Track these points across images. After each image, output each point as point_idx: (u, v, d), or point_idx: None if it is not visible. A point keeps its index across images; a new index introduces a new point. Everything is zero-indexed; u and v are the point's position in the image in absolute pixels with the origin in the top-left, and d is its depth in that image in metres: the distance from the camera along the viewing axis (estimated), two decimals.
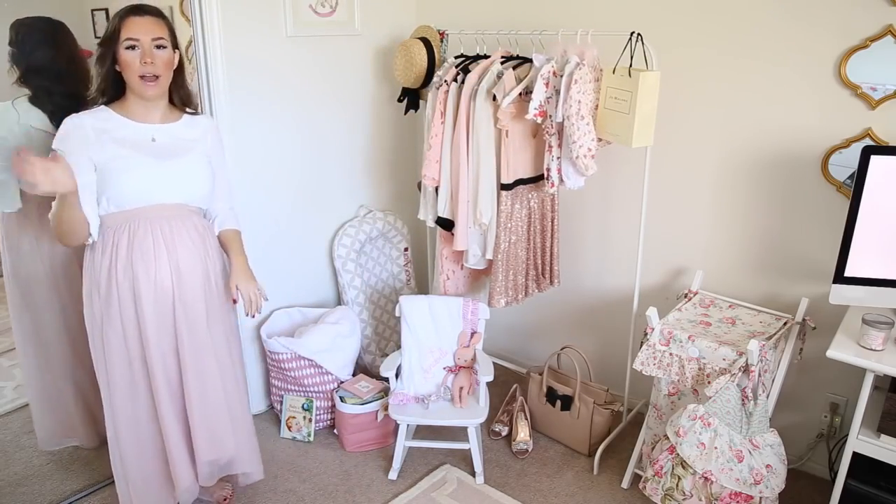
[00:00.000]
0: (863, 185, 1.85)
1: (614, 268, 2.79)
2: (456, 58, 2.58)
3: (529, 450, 2.64)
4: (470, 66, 2.46)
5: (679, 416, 2.01)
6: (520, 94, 2.29)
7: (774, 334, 2.11)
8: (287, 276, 2.88)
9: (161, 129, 1.92)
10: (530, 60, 2.34)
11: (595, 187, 2.72)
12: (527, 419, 2.71)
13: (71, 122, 1.82)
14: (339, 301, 3.09)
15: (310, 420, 2.71)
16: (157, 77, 1.82)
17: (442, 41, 2.70)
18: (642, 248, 2.46)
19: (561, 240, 2.73)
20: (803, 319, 2.18)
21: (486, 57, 2.49)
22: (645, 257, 2.58)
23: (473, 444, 2.44)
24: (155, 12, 1.84)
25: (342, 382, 2.74)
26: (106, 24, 1.87)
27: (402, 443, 2.49)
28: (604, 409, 2.55)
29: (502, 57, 2.43)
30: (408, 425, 2.50)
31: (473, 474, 2.48)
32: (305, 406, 2.72)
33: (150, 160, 1.87)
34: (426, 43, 2.65)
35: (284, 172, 2.77)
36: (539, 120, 2.26)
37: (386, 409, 2.60)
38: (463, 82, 2.40)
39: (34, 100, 2.11)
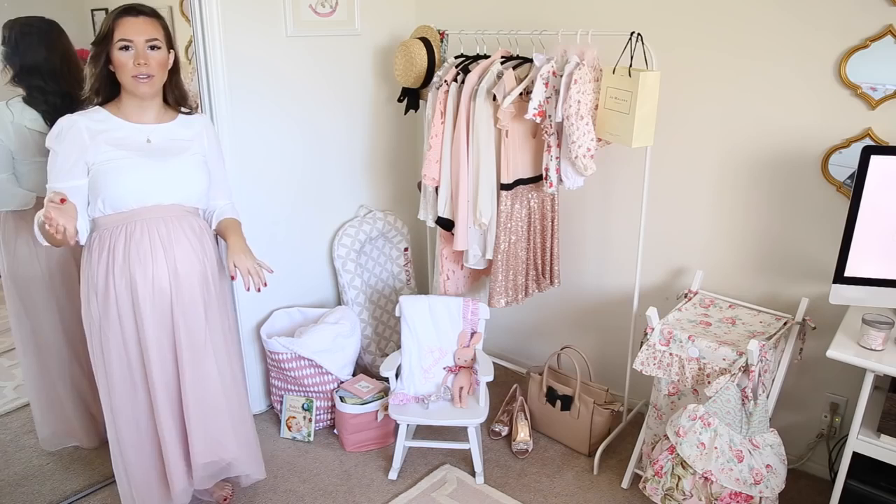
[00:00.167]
0: (863, 185, 1.85)
1: (614, 268, 2.79)
2: (456, 58, 2.59)
3: (529, 450, 2.64)
4: (470, 66, 2.46)
5: (679, 416, 2.01)
6: (520, 94, 2.29)
7: (774, 334, 2.11)
8: (287, 276, 2.88)
9: (156, 130, 1.91)
10: (530, 60, 2.34)
11: (595, 187, 2.72)
12: (527, 419, 2.71)
13: (65, 122, 1.81)
14: (339, 301, 3.09)
15: (310, 420, 2.71)
16: (151, 76, 1.81)
17: (442, 41, 2.70)
18: (642, 248, 2.46)
19: (561, 240, 2.73)
20: (803, 319, 2.18)
21: (486, 57, 2.49)
22: (645, 257, 2.58)
23: (473, 444, 2.44)
24: (150, 12, 1.83)
25: (342, 382, 2.74)
26: None
27: (402, 443, 2.49)
28: (604, 409, 2.55)
29: (502, 57, 2.43)
30: (408, 425, 2.50)
31: (473, 474, 2.48)
32: (305, 406, 2.72)
33: (146, 161, 1.86)
34: (426, 43, 2.65)
35: (284, 172, 2.77)
36: (538, 120, 2.26)
37: (386, 409, 2.60)
38: (463, 82, 2.40)
39: (28, 100, 2.11)
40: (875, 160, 1.83)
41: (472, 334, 2.57)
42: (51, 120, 2.08)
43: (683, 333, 2.10)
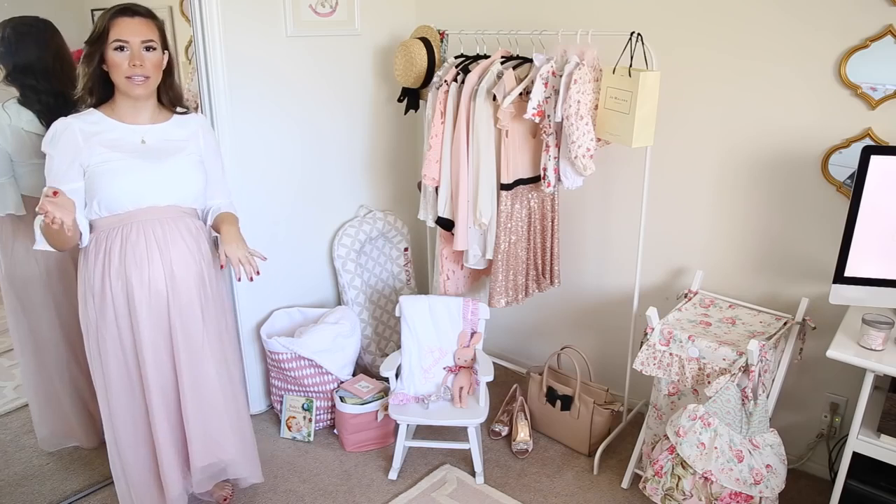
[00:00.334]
0: (863, 185, 1.85)
1: (614, 268, 2.79)
2: (456, 58, 2.59)
3: (529, 450, 2.64)
4: (470, 66, 2.46)
5: (679, 416, 2.01)
6: (520, 94, 2.29)
7: (774, 334, 2.11)
8: (287, 276, 2.88)
9: (150, 131, 1.90)
10: (530, 60, 2.34)
11: (595, 187, 2.72)
12: (527, 419, 2.71)
13: (59, 125, 1.79)
14: (339, 301, 3.09)
15: (310, 420, 2.71)
16: (146, 77, 1.80)
17: (442, 41, 2.70)
18: (642, 248, 2.46)
19: (561, 240, 2.73)
20: (803, 319, 2.18)
21: (486, 57, 2.49)
22: (645, 257, 2.58)
23: (473, 444, 2.44)
24: (145, 13, 1.81)
25: (342, 382, 2.74)
26: None
27: (402, 443, 2.49)
28: (604, 409, 2.55)
29: (502, 57, 2.43)
30: (408, 425, 2.50)
31: (473, 474, 2.48)
32: (305, 406, 2.72)
33: (141, 163, 1.84)
34: (426, 43, 2.65)
35: (284, 172, 2.77)
36: (536, 119, 2.26)
37: (386, 409, 2.59)
38: (463, 82, 2.40)
39: (22, 100, 2.11)
40: (875, 160, 1.83)
41: (472, 334, 2.57)
42: (46, 120, 2.08)
43: (683, 333, 2.10)
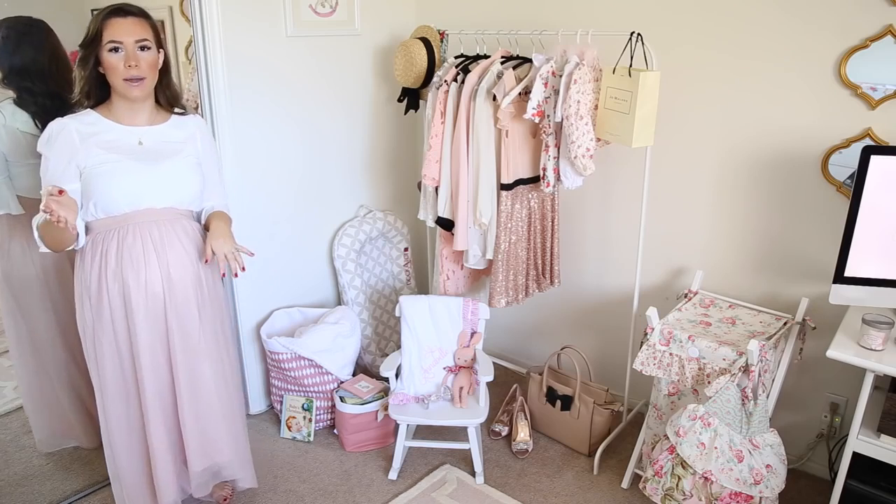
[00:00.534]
0: (863, 185, 1.85)
1: (614, 268, 2.79)
2: (456, 58, 2.59)
3: (529, 450, 2.64)
4: (470, 66, 2.46)
5: (679, 416, 2.01)
6: (520, 94, 2.29)
7: (774, 334, 2.11)
8: (287, 276, 2.88)
9: (148, 132, 1.88)
10: (530, 60, 2.34)
11: (595, 187, 2.72)
12: (527, 419, 2.71)
13: (55, 125, 1.77)
14: (339, 301, 3.09)
15: (310, 420, 2.71)
16: (142, 78, 1.78)
17: (442, 41, 2.70)
18: (642, 248, 2.46)
19: (561, 240, 2.73)
20: (803, 319, 2.18)
21: (486, 57, 2.49)
22: (645, 257, 2.58)
23: (473, 444, 2.44)
24: (138, 12, 1.79)
25: (342, 382, 2.74)
26: None
27: (402, 443, 2.49)
28: (604, 409, 2.55)
29: (502, 57, 2.43)
30: (408, 425, 2.50)
31: (473, 474, 2.48)
32: (305, 406, 2.72)
33: (138, 165, 1.83)
34: (426, 43, 2.65)
35: (284, 172, 2.77)
36: (536, 119, 2.26)
37: (386, 409, 2.60)
38: (463, 82, 2.40)
39: (18, 101, 2.10)
40: (875, 160, 1.83)
41: (472, 334, 2.57)
42: (41, 121, 2.07)
43: (683, 333, 2.10)
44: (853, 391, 2.30)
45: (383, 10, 2.97)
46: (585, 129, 2.21)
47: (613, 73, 2.18)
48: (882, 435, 1.83)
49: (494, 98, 2.32)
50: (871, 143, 2.08)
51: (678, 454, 1.97)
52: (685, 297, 2.40)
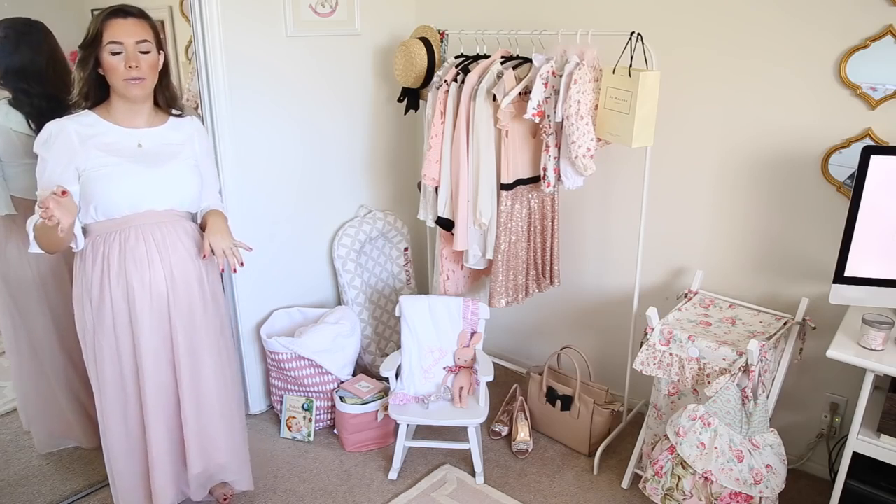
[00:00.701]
0: (863, 185, 1.85)
1: (614, 268, 2.79)
2: (456, 58, 2.59)
3: (529, 450, 2.64)
4: (470, 66, 2.46)
5: (679, 416, 2.01)
6: (520, 93, 2.29)
7: (774, 334, 2.11)
8: (287, 276, 2.88)
9: (147, 134, 1.88)
10: (530, 60, 2.34)
11: (595, 187, 2.72)
12: (527, 419, 2.71)
13: (54, 126, 1.76)
14: (339, 301, 3.09)
15: (310, 420, 2.71)
16: (142, 79, 1.78)
17: (442, 41, 2.70)
18: (642, 248, 2.46)
19: (561, 240, 2.73)
20: (803, 319, 2.18)
21: (486, 57, 2.49)
22: (645, 257, 2.58)
23: (473, 444, 2.45)
24: (138, 13, 1.78)
25: (342, 382, 2.74)
26: None
27: (402, 443, 2.49)
28: (604, 409, 2.55)
29: (502, 57, 2.43)
30: (408, 425, 2.50)
31: (473, 474, 2.48)
32: (305, 406, 2.72)
33: (138, 167, 1.82)
34: (426, 43, 2.65)
35: (285, 173, 2.77)
36: (536, 119, 2.26)
37: (386, 409, 2.60)
38: (463, 82, 2.40)
39: (14, 102, 2.09)
40: (875, 160, 1.83)
41: (472, 334, 2.57)
42: (35, 122, 2.06)
43: (683, 333, 2.10)
44: (853, 391, 2.30)
45: (383, 10, 2.97)
46: (586, 129, 2.21)
47: (613, 73, 2.18)
48: (882, 435, 1.83)
49: (494, 98, 2.32)
50: (871, 143, 2.08)
51: (678, 454, 1.98)
52: (685, 297, 2.40)
